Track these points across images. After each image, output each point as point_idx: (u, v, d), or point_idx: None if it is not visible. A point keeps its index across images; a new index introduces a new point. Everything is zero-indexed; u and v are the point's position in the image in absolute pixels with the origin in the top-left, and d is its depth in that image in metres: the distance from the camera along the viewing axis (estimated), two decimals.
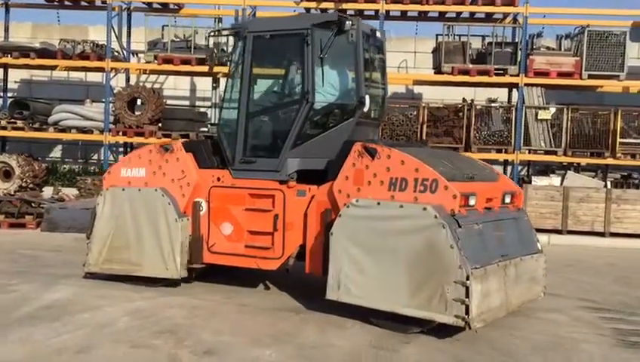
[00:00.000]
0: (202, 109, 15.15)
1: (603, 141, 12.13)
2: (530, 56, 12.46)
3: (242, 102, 6.59)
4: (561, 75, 12.38)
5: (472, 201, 5.41)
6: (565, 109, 12.19)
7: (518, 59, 12.43)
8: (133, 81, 15.05)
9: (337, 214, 5.71)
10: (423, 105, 12.66)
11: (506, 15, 13.66)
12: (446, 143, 12.12)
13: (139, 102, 13.15)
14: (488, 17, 13.81)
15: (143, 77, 15.66)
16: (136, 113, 13.11)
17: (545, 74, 12.39)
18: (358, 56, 6.38)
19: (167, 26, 13.49)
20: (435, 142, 11.97)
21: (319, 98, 6.33)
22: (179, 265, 6.54)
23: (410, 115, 12.46)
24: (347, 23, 6.19)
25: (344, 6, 12.90)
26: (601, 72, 12.27)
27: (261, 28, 6.70)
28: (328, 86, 6.48)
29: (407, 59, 15.96)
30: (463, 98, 13.22)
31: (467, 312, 4.91)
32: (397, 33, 16.81)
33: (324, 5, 13.09)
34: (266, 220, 6.38)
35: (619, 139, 12.02)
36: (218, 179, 6.68)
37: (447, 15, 13.60)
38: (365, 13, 13.61)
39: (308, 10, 13.83)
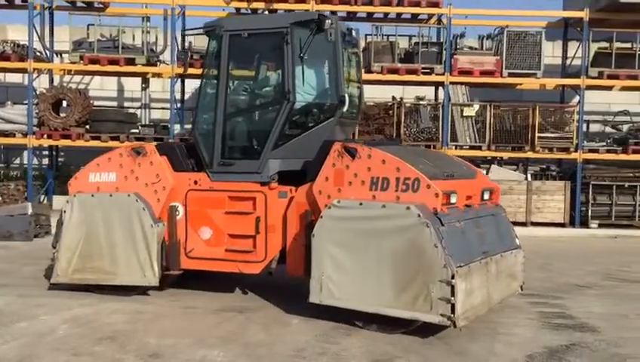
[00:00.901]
0: (131, 110, 14.84)
1: (523, 136, 12.84)
2: (455, 56, 13.01)
3: (219, 103, 6.40)
4: (483, 73, 12.96)
5: (453, 199, 5.38)
6: (488, 106, 12.77)
7: (444, 59, 12.94)
8: (56, 82, 14.55)
9: (318, 215, 5.61)
10: None
11: (430, 16, 14.17)
12: (377, 140, 12.43)
13: (64, 103, 12.74)
14: (414, 18, 14.30)
15: (67, 77, 15.16)
16: (62, 115, 12.71)
17: (468, 72, 12.95)
18: (337, 55, 6.32)
19: (93, 25, 13.15)
20: (368, 140, 12.25)
21: (300, 98, 6.24)
22: (157, 271, 6.31)
23: None
24: (327, 21, 6.11)
25: (275, 6, 13.00)
26: (520, 70, 12.95)
27: (238, 26, 6.50)
28: (308, 85, 6.42)
29: None
30: (393, 96, 13.63)
31: (453, 311, 4.88)
32: None
33: (254, 5, 13.13)
34: (247, 223, 6.22)
35: (537, 134, 12.72)
36: (195, 183, 6.47)
37: (374, 16, 13.97)
38: (296, 12, 13.75)
39: (238, 10, 13.85)
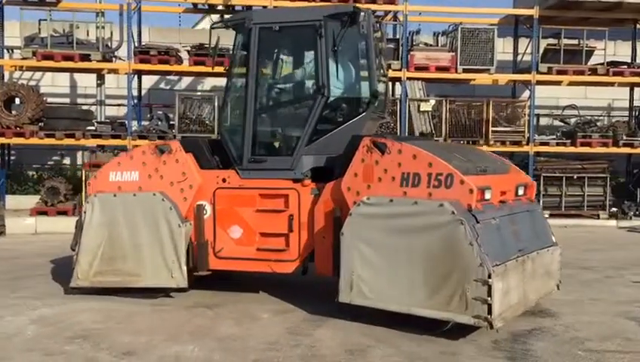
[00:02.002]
0: (85, 107, 14.53)
1: (477, 130, 13.14)
2: (411, 52, 13.23)
3: (249, 99, 6.21)
4: (439, 69, 13.23)
5: (487, 195, 5.19)
6: (444, 101, 13.08)
7: (400, 55, 13.16)
8: (6, 79, 14.11)
9: (346, 213, 5.45)
10: None
11: (387, 13, 14.37)
12: None
13: (17, 100, 12.39)
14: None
15: (17, 73, 14.72)
16: (14, 113, 12.37)
17: (425, 68, 13.18)
18: (370, 49, 6.19)
19: (45, 20, 12.80)
20: None
21: (334, 92, 6.10)
22: (185, 273, 6.13)
23: None
24: (362, 14, 5.98)
25: (233, 2, 12.95)
26: (474, 66, 13.29)
27: (268, 19, 6.32)
28: (341, 80, 6.27)
29: None
30: None
31: (489, 311, 4.70)
32: None
33: (212, 1, 13.06)
34: (279, 221, 6.05)
35: (491, 128, 13.11)
36: (224, 180, 6.28)
37: None
38: (254, 9, 13.73)
39: (195, 5, 13.74)
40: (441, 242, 4.94)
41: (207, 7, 13.78)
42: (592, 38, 14.11)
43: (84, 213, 6.39)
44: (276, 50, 6.71)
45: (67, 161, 15.59)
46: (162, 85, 15.65)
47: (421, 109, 13.06)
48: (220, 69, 12.67)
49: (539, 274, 5.54)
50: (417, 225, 5.06)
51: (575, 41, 13.81)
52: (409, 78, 13.19)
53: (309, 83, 6.37)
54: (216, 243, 6.28)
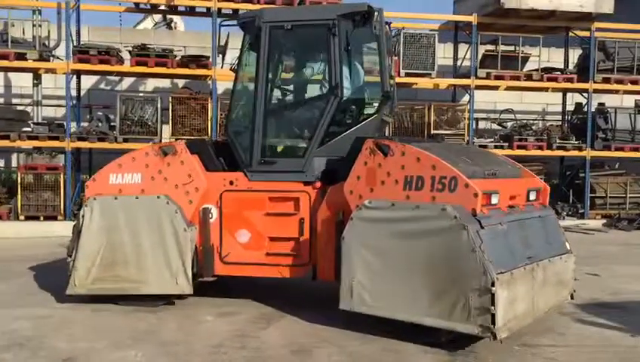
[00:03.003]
0: (20, 107, 14.01)
1: (419, 133, 13.43)
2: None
3: (258, 99, 6.06)
4: None
5: (494, 200, 5.00)
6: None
7: None
8: None
9: (349, 216, 5.29)
10: None
11: (229, 24, 14.37)
12: None
13: None
14: None
15: None
16: None
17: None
18: (382, 49, 6.07)
19: None
20: None
21: (347, 93, 5.97)
22: (190, 279, 5.89)
23: None
24: (375, 13, 5.85)
25: (176, 2, 12.79)
26: (416, 70, 13.56)
27: (279, 18, 6.16)
28: (353, 80, 6.15)
29: None
30: None
31: (493, 321, 4.51)
32: (229, 30, 16.96)
33: (154, 0, 12.85)
34: (289, 225, 5.89)
35: (432, 131, 13.40)
36: (231, 183, 6.10)
37: None
38: (197, 10, 13.60)
39: (137, 4, 13.48)
40: (443, 248, 4.76)
41: (149, 6, 13.54)
42: (528, 45, 14.65)
43: (82, 216, 6.09)
44: (287, 50, 6.57)
45: (1, 163, 15.00)
46: (102, 85, 15.25)
47: None
48: (161, 70, 12.49)
49: (550, 283, 5.31)
50: (419, 230, 4.88)
51: (512, 48, 14.27)
52: None
53: (322, 83, 6.25)
54: (222, 247, 6.09)
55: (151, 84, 15.12)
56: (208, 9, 12.98)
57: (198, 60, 12.73)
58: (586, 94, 14.25)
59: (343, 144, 5.82)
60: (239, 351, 4.86)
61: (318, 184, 5.84)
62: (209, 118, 12.43)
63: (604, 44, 14.17)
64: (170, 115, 12.37)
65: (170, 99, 12.45)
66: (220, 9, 12.93)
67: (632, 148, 14.05)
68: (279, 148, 6.26)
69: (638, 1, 22.96)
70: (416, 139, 6.40)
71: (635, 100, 14.95)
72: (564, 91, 15.19)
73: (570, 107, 15.48)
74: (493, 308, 4.52)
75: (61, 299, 6.27)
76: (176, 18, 17.69)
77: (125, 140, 12.16)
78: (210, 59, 12.67)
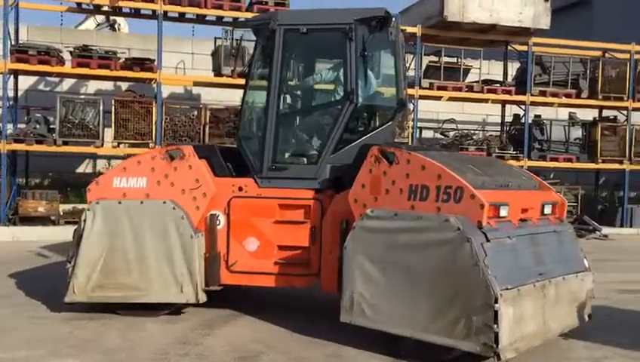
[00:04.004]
0: None
1: None
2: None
3: (271, 104, 5.88)
4: None
5: (503, 212, 4.75)
6: None
7: None
8: None
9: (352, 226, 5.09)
10: (201, 106, 12.97)
11: (242, 26, 14.48)
12: (228, 143, 12.51)
13: None
14: None
15: None
16: None
17: None
18: (397, 55, 5.96)
19: None
20: (217, 142, 12.31)
21: (362, 98, 5.82)
22: (198, 287, 5.66)
23: (192, 115, 12.65)
24: (392, 19, 5.73)
25: (120, 3, 12.56)
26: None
27: (294, 21, 5.99)
28: (369, 86, 6.02)
29: (185, 59, 16.05)
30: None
31: (496, 340, 4.25)
32: (174, 34, 16.80)
33: (97, 1, 12.58)
34: (300, 233, 5.71)
35: None
36: (240, 189, 5.90)
37: (224, 19, 14.03)
38: (142, 12, 13.39)
39: (79, 4, 13.16)
40: (445, 261, 4.53)
41: (92, 7, 13.25)
42: (469, 57, 15.13)
43: (84, 221, 5.83)
44: (301, 54, 6.43)
45: None
46: (41, 87, 14.82)
47: None
48: (104, 72, 12.23)
49: (564, 301, 5.03)
50: (421, 242, 4.67)
51: (454, 60, 14.72)
52: None
53: (337, 89, 6.13)
54: (229, 256, 5.89)
55: (93, 86, 14.80)
56: (154, 11, 12.84)
57: (142, 63, 12.54)
58: (523, 106, 14.82)
59: (356, 151, 5.62)
60: (182, 358, 4.78)
61: (331, 192, 5.67)
62: (153, 122, 12.25)
63: (541, 59, 14.79)
64: (113, 118, 12.14)
65: (113, 102, 12.23)
66: (165, 12, 12.80)
67: (565, 158, 14.68)
68: (291, 155, 6.10)
69: (573, 18, 24.09)
70: (425, 147, 6.27)
71: (569, 113, 15.67)
72: (503, 103, 15.74)
73: (508, 118, 16.05)
74: (496, 326, 4.26)
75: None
76: (120, 20, 17.39)
77: (65, 143, 11.86)
78: (156, 62, 12.50)
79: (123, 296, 5.77)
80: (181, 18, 13.90)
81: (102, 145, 12.38)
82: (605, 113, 16.15)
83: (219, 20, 13.98)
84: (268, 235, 5.84)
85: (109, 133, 12.48)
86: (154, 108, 12.28)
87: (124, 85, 14.41)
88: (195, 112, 12.72)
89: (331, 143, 5.75)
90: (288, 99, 6.31)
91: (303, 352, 4.99)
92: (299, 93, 6.54)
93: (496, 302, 4.27)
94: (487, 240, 4.49)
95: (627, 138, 14.99)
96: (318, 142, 5.99)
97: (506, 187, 5.14)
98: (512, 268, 4.59)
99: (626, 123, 15.25)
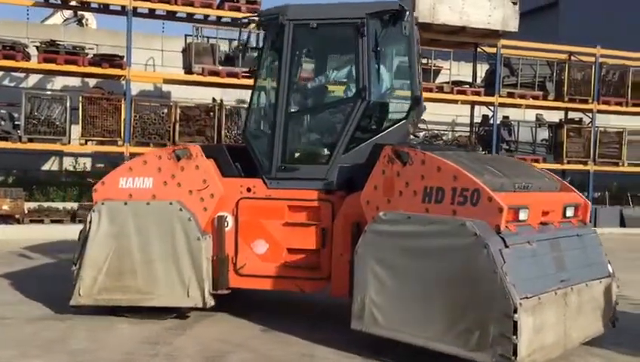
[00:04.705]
0: None
1: None
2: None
3: (280, 102, 5.69)
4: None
5: (522, 216, 4.52)
6: None
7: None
8: None
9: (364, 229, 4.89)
10: (171, 103, 12.83)
11: (250, 21, 14.44)
12: (199, 142, 12.42)
13: None
14: (234, 22, 14.48)
15: None
16: None
17: None
18: (412, 51, 5.74)
19: None
20: (187, 140, 12.23)
21: (375, 96, 5.58)
22: (206, 291, 5.50)
23: (162, 113, 12.52)
24: (406, 13, 5.50)
25: None
26: None
27: (304, 16, 5.78)
28: (382, 83, 5.80)
29: (155, 56, 15.85)
30: (213, 98, 13.67)
31: (515, 352, 4.04)
32: (144, 30, 16.60)
33: None
34: (310, 236, 5.52)
35: None
36: (248, 190, 5.72)
37: (195, 17, 13.89)
38: (111, 7, 13.18)
39: None
40: (461, 268, 4.30)
41: (59, 1, 13.00)
42: (440, 59, 15.29)
43: (89, 222, 5.69)
44: (312, 50, 6.23)
45: None
46: (6, 82, 14.48)
47: None
48: (71, 68, 12.02)
49: (587, 309, 4.80)
50: (436, 247, 4.44)
51: (424, 60, 14.85)
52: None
53: (348, 86, 5.95)
54: (237, 258, 5.72)
55: (60, 82, 14.54)
56: (123, 7, 12.64)
57: (111, 59, 12.36)
58: (492, 107, 15.00)
59: (369, 151, 5.41)
60: (151, 359, 4.71)
61: (341, 193, 5.48)
62: (122, 120, 12.07)
63: (509, 61, 15.01)
64: (81, 115, 11.92)
65: (81, 99, 12.00)
66: (135, 8, 12.63)
67: (532, 159, 14.85)
68: (301, 154, 5.93)
69: (540, 22, 24.52)
70: (441, 147, 5.99)
71: (536, 114, 15.95)
72: (473, 104, 15.92)
73: (477, 119, 16.27)
74: (515, 337, 4.04)
75: None
76: (88, 15, 17.10)
77: (30, 140, 11.64)
78: (125, 59, 12.32)
79: (129, 298, 5.64)
80: (151, 14, 13.73)
81: (69, 142, 12.15)
82: (571, 115, 16.48)
83: (189, 17, 13.84)
84: (277, 238, 5.68)
85: (76, 131, 12.26)
86: (123, 106, 12.09)
87: (92, 82, 14.17)
88: (165, 110, 12.56)
89: (342, 143, 5.56)
90: (298, 97, 6.12)
91: (274, 351, 4.98)
92: (309, 90, 6.32)
93: (515, 311, 4.05)
94: (506, 246, 4.27)
95: (592, 139, 15.31)
96: (328, 141, 5.82)
97: (526, 189, 4.89)
98: (532, 276, 4.36)
99: (590, 125, 15.59)
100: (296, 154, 5.90)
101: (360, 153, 5.48)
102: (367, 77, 5.51)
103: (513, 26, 14.33)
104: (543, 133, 15.09)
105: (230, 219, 5.73)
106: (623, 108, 15.82)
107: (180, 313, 5.77)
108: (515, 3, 14.14)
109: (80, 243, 5.75)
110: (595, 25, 22.79)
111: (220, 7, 13.24)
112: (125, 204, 5.71)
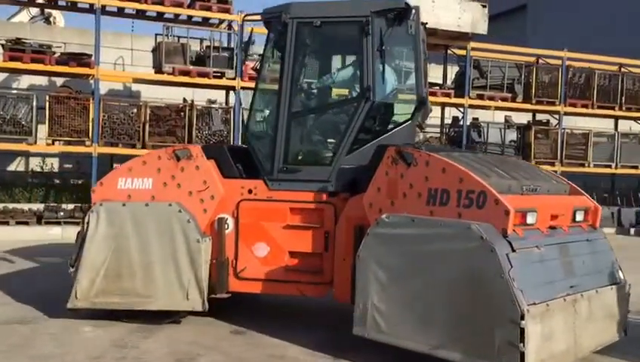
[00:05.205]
0: None
1: None
2: (246, 62, 13.37)
3: (283, 102, 5.57)
4: None
5: (530, 219, 4.39)
6: None
7: (235, 64, 13.25)
8: None
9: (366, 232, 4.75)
10: (141, 103, 12.67)
11: (222, 21, 14.35)
12: (169, 142, 12.29)
13: None
14: (205, 22, 14.37)
15: None
16: None
17: None
18: (417, 50, 5.63)
19: None
20: (157, 141, 12.09)
21: (379, 96, 5.48)
22: (205, 294, 5.40)
23: (131, 113, 12.35)
24: (412, 11, 5.40)
25: None
26: None
27: (308, 14, 5.65)
28: (386, 83, 5.68)
29: (124, 56, 15.64)
30: (184, 98, 13.54)
31: (522, 361, 3.90)
32: (113, 29, 16.37)
33: None
34: (312, 239, 5.40)
35: None
36: (249, 192, 5.60)
37: (165, 16, 13.75)
38: (79, 5, 12.97)
39: None
40: (467, 272, 4.17)
41: None
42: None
43: (87, 223, 5.57)
44: (315, 48, 6.10)
45: None
46: None
47: None
48: (37, 67, 11.79)
49: (598, 317, 4.65)
50: (441, 251, 4.30)
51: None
52: (243, 88, 13.32)
53: (352, 85, 5.82)
54: (238, 261, 5.60)
55: (26, 80, 14.27)
56: (91, 5, 12.44)
57: (79, 58, 12.16)
58: (462, 109, 15.18)
59: (372, 153, 5.28)
60: None
61: (344, 195, 5.35)
62: (90, 120, 11.88)
63: (479, 63, 15.18)
64: (47, 114, 11.68)
65: (48, 98, 11.77)
66: (104, 6, 12.45)
67: None
68: (303, 155, 5.80)
69: (509, 25, 24.88)
70: (445, 148, 5.75)
71: (505, 116, 16.17)
72: (443, 105, 16.04)
73: (447, 120, 16.45)
74: (522, 345, 3.90)
75: None
76: (55, 13, 16.78)
77: None
78: (93, 58, 12.13)
79: (128, 302, 5.52)
80: (120, 13, 13.56)
81: (35, 142, 11.91)
82: (539, 117, 16.77)
83: (159, 16, 13.71)
84: (278, 240, 5.55)
85: (42, 130, 12.03)
86: (91, 105, 11.90)
87: (59, 81, 13.91)
88: (135, 110, 12.40)
89: (346, 144, 5.45)
90: (301, 97, 5.99)
91: (243, 353, 4.95)
92: (312, 90, 6.19)
93: (522, 318, 3.91)
94: (513, 250, 4.14)
95: (559, 141, 15.60)
96: (331, 142, 5.72)
97: (534, 191, 4.77)
98: (540, 281, 4.23)
99: (557, 126, 15.88)
100: (299, 156, 5.78)
101: (363, 155, 5.37)
102: (371, 77, 5.41)
103: (482, 28, 14.51)
104: (512, 135, 15.33)
105: (230, 221, 5.64)
106: (589, 111, 16.17)
107: (177, 317, 5.66)
108: (484, 6, 14.33)
109: (77, 245, 5.65)
110: (562, 28, 23.27)
111: (190, 6, 13.14)
112: (124, 205, 5.61)
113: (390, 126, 5.77)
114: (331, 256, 5.34)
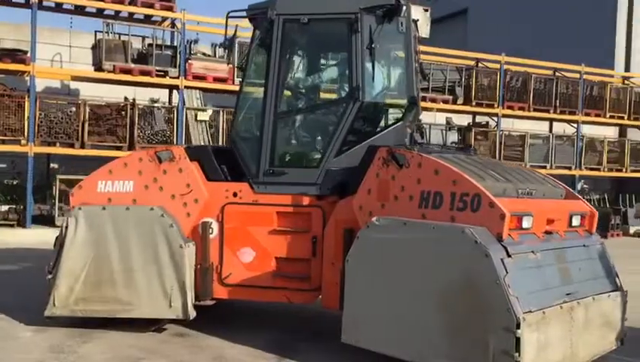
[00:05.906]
0: None
1: None
2: (189, 61, 13.19)
3: (268, 102, 5.37)
4: (216, 79, 13.41)
5: (526, 223, 4.25)
6: (221, 111, 13.31)
7: (178, 63, 13.06)
8: None
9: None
10: (80, 102, 12.35)
11: (164, 19, 14.13)
12: (109, 142, 12.05)
13: None
14: (147, 19, 14.11)
15: None
16: None
17: (202, 78, 13.24)
18: (408, 49, 5.48)
19: None
20: (97, 140, 11.81)
21: (369, 96, 5.28)
22: (189, 301, 5.17)
23: (70, 112, 12.00)
24: (403, 8, 5.23)
25: None
26: None
27: (294, 10, 5.45)
28: (376, 82, 5.49)
29: (62, 52, 15.18)
30: (125, 97, 13.27)
31: None
32: (50, 24, 15.86)
33: None
34: (299, 244, 5.20)
35: None
36: (234, 195, 5.39)
37: (105, 12, 13.44)
38: (14, 0, 12.52)
39: None
40: (460, 278, 4.01)
41: None
42: None
43: (66, 228, 5.36)
44: (302, 46, 5.92)
45: None
46: None
47: (198, 119, 13.10)
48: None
49: (595, 325, 4.51)
50: (433, 256, 4.15)
51: None
52: (186, 87, 13.15)
53: (341, 85, 5.68)
54: (222, 267, 5.41)
55: None
56: (27, 0, 12.01)
57: (14, 54, 11.78)
58: None
59: (362, 154, 5.11)
60: None
61: (333, 198, 5.17)
62: (26, 118, 11.51)
63: (422, 66, 15.50)
64: None
65: None
66: (40, 1, 12.07)
67: None
68: (290, 157, 5.64)
69: (450, 28, 25.49)
70: (439, 150, 5.58)
71: (446, 118, 16.59)
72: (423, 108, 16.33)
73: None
74: (517, 354, 3.75)
75: None
76: None
77: None
78: (29, 54, 11.74)
79: (108, 309, 5.33)
80: (58, 8, 13.21)
81: None
82: (478, 119, 17.29)
83: (100, 12, 13.41)
84: (264, 245, 5.37)
85: None
86: (26, 103, 11.52)
87: None
88: (73, 108, 12.08)
89: (334, 145, 5.27)
90: (287, 97, 5.81)
91: (186, 356, 4.91)
92: (299, 90, 6.00)
93: (517, 326, 3.77)
94: (508, 256, 3.99)
95: (497, 142, 16.12)
96: (319, 143, 5.56)
97: (530, 195, 4.62)
98: (536, 288, 4.09)
99: (496, 128, 16.41)
100: (286, 157, 5.63)
101: (353, 156, 5.20)
102: (360, 76, 5.23)
103: (425, 32, 14.75)
104: (453, 136, 15.71)
105: (215, 226, 5.45)
106: (526, 113, 16.77)
107: (160, 325, 5.47)
108: (426, 10, 14.62)
109: (55, 251, 5.43)
110: (500, 33, 24.03)
111: (132, 3, 12.91)
112: (104, 208, 5.42)
113: (380, 127, 5.64)
114: (319, 261, 5.17)
